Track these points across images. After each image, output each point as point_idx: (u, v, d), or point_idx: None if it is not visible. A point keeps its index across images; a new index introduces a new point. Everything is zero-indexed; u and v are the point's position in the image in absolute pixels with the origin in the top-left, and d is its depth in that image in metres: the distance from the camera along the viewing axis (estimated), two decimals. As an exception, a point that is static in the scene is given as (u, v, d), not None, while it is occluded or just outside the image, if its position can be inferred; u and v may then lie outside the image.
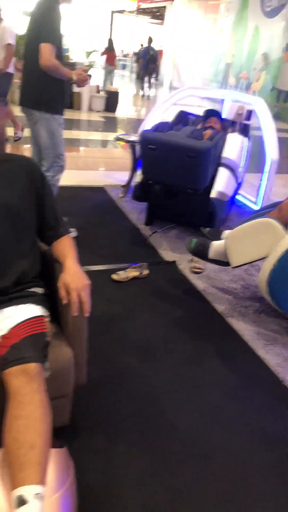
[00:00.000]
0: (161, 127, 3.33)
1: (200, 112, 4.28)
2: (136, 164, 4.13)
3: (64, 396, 1.50)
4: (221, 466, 1.59)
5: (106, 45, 11.82)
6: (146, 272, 2.85)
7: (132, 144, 4.03)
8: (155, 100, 12.52)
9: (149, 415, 1.78)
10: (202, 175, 2.90)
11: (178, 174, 2.87)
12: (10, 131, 5.00)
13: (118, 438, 1.66)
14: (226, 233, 2.69)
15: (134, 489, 1.48)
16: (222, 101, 4.59)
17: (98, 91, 9.42)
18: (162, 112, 4.23)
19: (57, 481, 1.20)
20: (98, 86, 9.49)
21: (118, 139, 4.16)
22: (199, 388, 1.96)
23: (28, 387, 1.19)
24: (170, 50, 16.77)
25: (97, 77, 10.73)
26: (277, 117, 8.42)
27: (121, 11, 20.73)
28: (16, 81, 5.63)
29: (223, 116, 4.15)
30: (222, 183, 3.26)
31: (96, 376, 1.86)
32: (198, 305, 2.62)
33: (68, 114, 3.03)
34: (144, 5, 18.32)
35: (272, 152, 3.70)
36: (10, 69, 4.77)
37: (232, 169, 3.43)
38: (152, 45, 12.96)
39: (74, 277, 1.43)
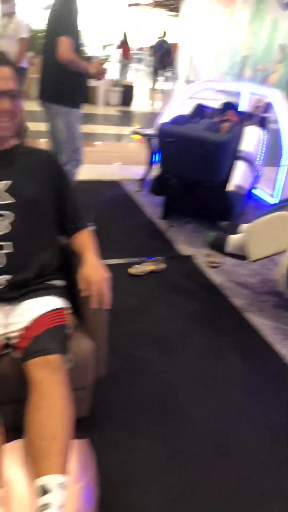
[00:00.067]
0: (178, 120, 3.32)
1: (216, 105, 4.24)
2: (152, 158, 4.12)
3: (84, 387, 1.51)
4: (237, 461, 1.59)
5: (122, 38, 11.77)
6: (162, 266, 2.84)
7: (148, 137, 4.02)
8: (171, 93, 12.45)
9: (167, 409, 1.78)
10: (219, 167, 2.88)
11: (196, 167, 2.86)
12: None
13: (136, 430, 1.67)
14: (243, 227, 2.67)
15: (153, 481, 1.49)
16: (238, 94, 4.54)
17: (114, 85, 9.41)
18: (179, 105, 4.21)
19: (79, 472, 1.21)
20: (113, 80, 9.48)
21: (134, 133, 4.15)
22: (216, 383, 1.96)
23: (50, 378, 1.20)
24: (186, 43, 16.63)
25: (112, 71, 10.70)
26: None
27: (137, 4, 20.60)
28: (33, 76, 5.65)
29: (240, 109, 4.11)
30: (239, 176, 3.23)
31: (115, 368, 1.87)
32: (215, 300, 2.61)
33: (84, 108, 3.03)
34: (160, -2, 18.15)
35: (289, 145, 3.66)
36: (24, 64, 4.77)
37: (249, 162, 3.40)
38: (168, 38, 12.87)
39: (94, 270, 1.44)
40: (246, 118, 3.93)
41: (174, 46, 14.13)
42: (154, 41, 13.63)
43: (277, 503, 1.46)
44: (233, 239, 2.56)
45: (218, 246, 2.61)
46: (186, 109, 4.11)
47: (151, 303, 2.50)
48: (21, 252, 1.40)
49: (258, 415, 1.80)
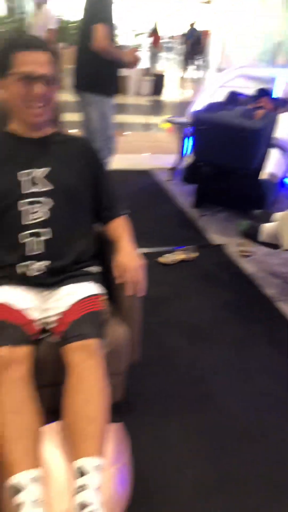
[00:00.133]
0: (212, 107, 3.27)
1: (250, 92, 4.16)
2: (183, 146, 4.09)
3: (119, 373, 1.53)
4: (271, 450, 1.58)
5: (153, 27, 11.67)
6: (194, 255, 2.83)
7: (180, 126, 3.98)
8: (201, 82, 12.28)
9: (200, 397, 1.78)
10: (253, 155, 2.84)
11: (230, 154, 2.82)
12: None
13: (170, 417, 1.68)
14: (277, 215, 2.62)
15: (188, 467, 1.49)
16: (272, 80, 4.43)
17: (145, 75, 9.35)
18: (212, 93, 4.15)
19: (115, 455, 1.23)
20: (144, 69, 9.42)
21: (165, 122, 4.12)
22: (248, 372, 1.94)
23: (87, 362, 1.22)
24: (217, 31, 16.33)
25: (144, 60, 10.63)
26: None
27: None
28: (65, 66, 5.68)
29: (275, 95, 4.01)
30: (273, 164, 3.17)
31: (148, 356, 1.87)
32: (247, 289, 2.58)
33: (115, 98, 3.02)
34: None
35: None
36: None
37: (283, 149, 3.33)
38: (198, 26, 12.68)
39: (128, 258, 1.44)
40: (281, 104, 3.83)
41: (205, 33, 13.91)
42: (185, 29, 13.45)
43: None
44: (266, 228, 2.51)
45: (250, 235, 2.57)
46: (219, 97, 4.04)
47: (182, 292, 2.50)
48: (59, 238, 1.42)
49: (292, 406, 1.78)
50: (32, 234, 1.39)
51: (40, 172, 1.42)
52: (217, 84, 4.23)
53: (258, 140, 2.76)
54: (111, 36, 2.70)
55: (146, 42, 12.09)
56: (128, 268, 1.40)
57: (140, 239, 3.00)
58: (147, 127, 6.90)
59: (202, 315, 2.31)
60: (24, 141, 1.46)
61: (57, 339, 1.35)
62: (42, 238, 1.39)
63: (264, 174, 3.11)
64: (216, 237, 3.16)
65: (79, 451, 1.10)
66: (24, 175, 1.40)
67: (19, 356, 1.21)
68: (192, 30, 12.73)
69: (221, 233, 3.21)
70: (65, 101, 1.73)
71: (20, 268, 1.39)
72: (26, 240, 1.38)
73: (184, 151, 4.06)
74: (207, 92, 4.18)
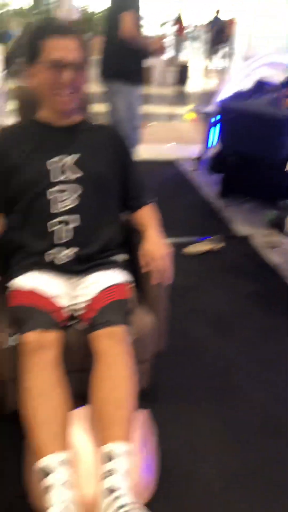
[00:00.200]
0: (239, 96, 3.22)
1: (276, 81, 4.06)
2: (208, 136, 4.04)
3: (144, 361, 1.53)
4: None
5: (177, 16, 11.53)
6: (219, 246, 2.80)
7: (205, 115, 3.93)
8: (227, 71, 12.09)
9: (225, 387, 1.77)
10: (281, 144, 2.78)
11: (257, 143, 2.78)
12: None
13: (196, 406, 1.68)
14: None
15: (214, 455, 1.49)
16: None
17: (169, 64, 9.26)
18: (238, 82, 4.07)
19: (141, 442, 1.24)
20: (169, 59, 9.33)
21: (190, 111, 4.08)
22: (273, 363, 1.92)
23: (115, 349, 1.23)
24: (243, 19, 16.01)
25: (168, 49, 10.52)
26: None
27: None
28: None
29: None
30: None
31: (173, 345, 1.86)
32: (273, 281, 2.54)
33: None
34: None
35: None
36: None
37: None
38: (224, 13, 12.45)
39: (155, 246, 1.44)
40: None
41: (230, 22, 13.64)
42: (209, 18, 13.22)
43: None
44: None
45: (277, 226, 2.54)
46: (246, 86, 3.97)
47: (207, 282, 2.48)
48: (87, 226, 1.42)
49: None
50: (60, 222, 1.40)
51: (69, 159, 1.43)
52: (244, 72, 4.15)
53: (287, 129, 2.70)
54: (139, 25, 2.68)
55: (170, 31, 11.96)
56: (154, 257, 1.40)
57: (165, 229, 3.00)
58: (171, 117, 6.85)
59: (227, 306, 2.29)
60: (53, 129, 1.46)
61: (84, 326, 1.36)
62: (71, 225, 1.40)
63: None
64: (241, 228, 3.12)
65: (107, 436, 1.11)
66: (53, 163, 1.41)
67: (48, 341, 1.22)
68: (217, 19, 12.50)
69: (247, 224, 3.17)
70: (92, 92, 1.72)
71: (48, 256, 1.41)
72: (54, 227, 1.40)
73: (210, 141, 4.01)
74: (233, 81, 4.11)
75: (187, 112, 4.19)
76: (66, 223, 1.40)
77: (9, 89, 2.48)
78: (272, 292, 2.43)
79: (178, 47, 11.58)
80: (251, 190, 3.50)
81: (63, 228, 1.40)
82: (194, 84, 9.85)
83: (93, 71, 3.01)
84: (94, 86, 3.06)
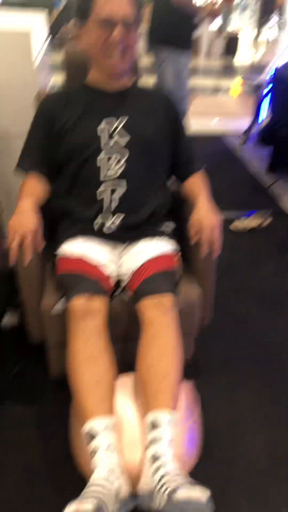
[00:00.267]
0: (293, 64, 3.05)
1: None
2: (258, 108, 3.88)
3: (189, 334, 1.51)
4: None
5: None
6: (267, 222, 2.71)
7: (256, 87, 3.77)
8: (277, 42, 11.53)
9: (271, 367, 1.73)
10: None
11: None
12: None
13: (239, 383, 1.65)
14: None
15: (256, 433, 1.47)
16: None
17: (217, 35, 8.92)
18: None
19: (186, 413, 1.23)
20: (217, 30, 8.98)
21: (239, 83, 3.93)
22: None
23: (162, 318, 1.21)
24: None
25: (217, 19, 10.11)
26: None
27: None
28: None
29: None
30: None
31: (218, 320, 1.84)
32: None
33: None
34: None
35: None
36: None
37: None
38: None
39: (206, 215, 1.39)
40: None
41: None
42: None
43: None
44: None
45: None
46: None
47: (254, 259, 2.41)
48: (135, 192, 1.39)
49: None
50: (109, 188, 1.37)
51: (118, 123, 1.39)
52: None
53: None
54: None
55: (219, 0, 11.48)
56: (204, 226, 1.35)
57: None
58: (218, 90, 6.62)
59: (274, 284, 2.22)
60: (103, 93, 1.43)
61: (130, 295, 1.35)
62: (118, 192, 1.38)
63: None
64: (290, 204, 3.00)
65: (153, 405, 1.10)
66: (102, 128, 1.38)
67: (95, 307, 1.22)
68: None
69: (296, 200, 3.05)
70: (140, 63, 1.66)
71: (95, 223, 1.39)
72: (102, 194, 1.37)
73: (260, 113, 3.85)
74: (286, 51, 3.90)
75: (235, 85, 4.02)
76: (114, 189, 1.37)
77: (53, 61, 2.44)
78: None
79: (226, 17, 11.11)
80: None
81: (110, 194, 1.37)
82: (243, 56, 9.46)
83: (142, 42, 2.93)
84: (143, 58, 2.99)
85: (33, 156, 1.46)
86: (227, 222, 2.68)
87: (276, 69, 2.96)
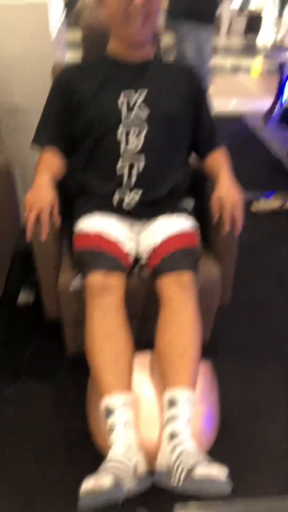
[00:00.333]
0: None
1: None
2: (281, 88, 3.77)
3: (208, 314, 1.48)
4: None
5: None
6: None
7: (279, 66, 3.66)
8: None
9: (289, 348, 1.70)
10: None
11: None
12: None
13: (258, 364, 1.62)
14: None
15: (275, 413, 1.44)
16: None
17: (239, 14, 8.66)
18: None
19: (204, 392, 1.20)
20: (238, 8, 8.72)
21: (261, 62, 3.81)
22: None
23: (181, 295, 1.18)
24: None
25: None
26: None
27: None
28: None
29: None
30: None
31: (237, 301, 1.80)
32: None
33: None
34: None
35: None
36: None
37: None
38: None
39: (228, 192, 1.34)
40: None
41: None
42: None
43: None
44: None
45: None
46: None
47: (275, 241, 2.36)
48: (154, 167, 1.35)
49: None
50: (127, 163, 1.33)
51: (137, 96, 1.34)
52: None
53: None
54: None
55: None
56: (227, 203, 1.31)
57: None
58: (238, 70, 6.46)
59: (295, 266, 2.17)
60: (122, 65, 1.38)
61: (148, 273, 1.32)
62: (137, 167, 1.33)
63: None
64: (313, 186, 2.92)
65: (171, 382, 1.08)
66: (122, 100, 1.33)
67: (113, 283, 1.20)
68: None
69: None
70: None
71: (114, 199, 1.36)
72: (121, 169, 1.34)
73: (283, 94, 3.74)
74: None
75: (256, 64, 3.91)
76: (133, 164, 1.33)
77: (68, 38, 2.39)
78: None
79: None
80: None
81: (129, 169, 1.33)
82: (265, 35, 9.20)
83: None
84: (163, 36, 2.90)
85: (50, 130, 1.43)
86: (247, 203, 2.62)
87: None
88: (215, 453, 1.14)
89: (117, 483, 0.87)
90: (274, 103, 3.91)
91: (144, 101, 1.34)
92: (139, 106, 1.34)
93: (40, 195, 1.26)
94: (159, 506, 1.18)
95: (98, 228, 1.32)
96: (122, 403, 1.04)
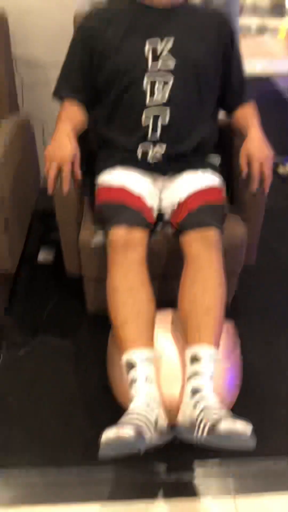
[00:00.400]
0: None
1: None
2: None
3: (232, 274, 1.44)
4: None
5: None
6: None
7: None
8: None
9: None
10: None
11: None
12: None
13: (280, 326, 1.60)
14: None
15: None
16: None
17: None
18: None
19: (227, 350, 1.18)
20: None
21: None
22: None
23: (206, 252, 1.14)
24: None
25: None
26: None
27: None
28: None
29: None
30: None
31: (261, 263, 1.76)
32: None
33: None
34: None
35: None
36: None
37: None
38: None
39: (258, 147, 1.28)
40: None
41: None
42: None
43: None
44: None
45: None
46: None
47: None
48: (179, 121, 1.29)
49: None
50: (152, 115, 1.27)
51: (164, 44, 1.26)
52: None
53: None
54: None
55: None
56: (256, 158, 1.25)
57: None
58: (265, 30, 6.17)
59: None
60: (150, 9, 1.28)
61: (172, 230, 1.28)
62: (162, 119, 1.27)
63: None
64: None
65: (194, 339, 1.06)
66: (149, 48, 1.26)
67: (136, 238, 1.16)
68: None
69: None
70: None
71: (138, 153, 1.31)
72: (145, 122, 1.28)
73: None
74: None
75: (284, 25, 3.72)
76: (158, 116, 1.27)
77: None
78: None
79: None
80: None
81: (155, 122, 1.27)
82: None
83: None
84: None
85: (71, 81, 1.37)
86: (274, 166, 2.53)
87: None
88: (236, 411, 1.12)
89: (139, 434, 0.86)
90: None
91: (171, 50, 1.26)
92: (166, 55, 1.26)
93: (60, 147, 1.22)
94: (178, 463, 1.18)
95: (121, 181, 1.27)
96: (144, 358, 1.03)
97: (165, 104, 1.27)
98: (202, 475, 1.16)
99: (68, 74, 1.38)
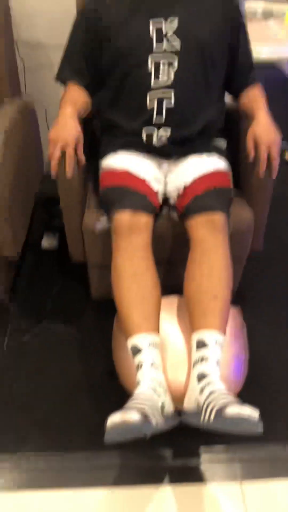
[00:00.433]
0: None
1: None
2: None
3: (238, 259, 1.42)
4: None
5: None
6: None
7: None
8: None
9: None
10: None
11: None
12: None
13: (287, 315, 1.58)
14: None
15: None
16: None
17: None
18: None
19: (233, 336, 1.17)
20: None
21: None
22: None
23: (213, 237, 1.12)
24: None
25: None
26: None
27: None
28: None
29: None
30: None
31: (267, 250, 1.73)
32: None
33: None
34: None
35: None
36: None
37: None
38: None
39: (265, 130, 1.25)
40: None
41: None
42: None
43: None
44: None
45: None
46: None
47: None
48: (184, 104, 1.26)
49: None
50: (157, 98, 1.24)
51: (168, 24, 1.22)
52: None
53: None
54: None
55: None
56: (263, 141, 1.22)
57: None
58: (270, 14, 6.06)
59: None
60: None
61: (178, 214, 1.26)
62: (167, 102, 1.24)
63: None
64: None
65: (200, 324, 1.05)
66: (153, 28, 1.22)
67: (141, 223, 1.14)
68: None
69: None
70: None
71: (143, 136, 1.28)
72: (150, 104, 1.25)
73: None
74: None
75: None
76: (162, 99, 1.24)
77: None
78: None
79: None
80: None
81: (159, 105, 1.24)
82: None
83: None
84: None
85: (74, 64, 1.34)
86: (281, 152, 2.49)
87: None
88: (242, 397, 1.11)
89: (145, 418, 0.85)
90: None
91: (175, 31, 1.22)
92: (170, 36, 1.22)
93: (64, 130, 1.20)
94: (184, 448, 1.17)
95: (125, 165, 1.25)
96: (149, 343, 1.02)
97: (170, 87, 1.24)
98: (209, 460, 1.15)
99: (71, 56, 1.35)
